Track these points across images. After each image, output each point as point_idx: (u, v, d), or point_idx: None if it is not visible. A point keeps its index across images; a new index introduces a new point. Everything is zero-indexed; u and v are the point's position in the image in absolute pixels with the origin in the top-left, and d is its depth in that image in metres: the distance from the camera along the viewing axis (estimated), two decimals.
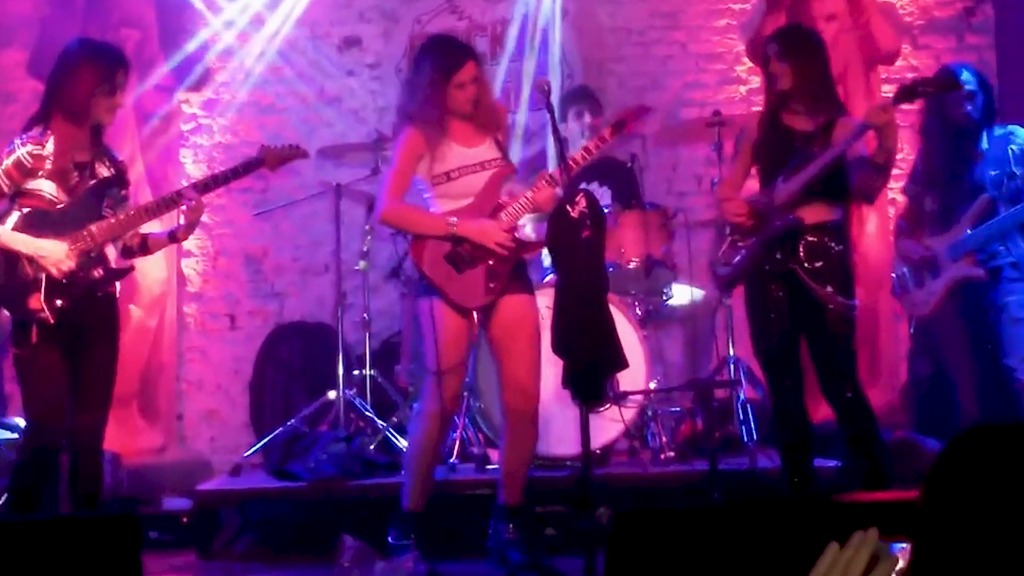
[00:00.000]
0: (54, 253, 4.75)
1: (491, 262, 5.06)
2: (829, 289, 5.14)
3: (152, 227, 5.24)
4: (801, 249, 5.17)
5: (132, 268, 5.20)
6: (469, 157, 5.15)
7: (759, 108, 7.84)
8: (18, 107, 7.66)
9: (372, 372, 7.04)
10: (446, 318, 5.03)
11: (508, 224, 5.12)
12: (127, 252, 5.14)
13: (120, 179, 5.03)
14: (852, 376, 5.22)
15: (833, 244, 5.19)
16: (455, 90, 5.11)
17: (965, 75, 6.06)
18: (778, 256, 5.21)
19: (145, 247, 5.17)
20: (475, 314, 5.13)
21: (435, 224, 5.05)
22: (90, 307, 4.88)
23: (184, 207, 5.03)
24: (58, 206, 4.83)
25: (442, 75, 5.10)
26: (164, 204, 5.10)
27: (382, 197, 5.13)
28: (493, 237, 5.05)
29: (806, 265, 5.16)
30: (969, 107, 6.01)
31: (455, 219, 5.03)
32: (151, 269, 7.89)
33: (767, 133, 5.37)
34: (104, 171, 4.97)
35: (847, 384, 5.19)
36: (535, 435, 5.19)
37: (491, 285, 5.06)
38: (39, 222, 4.80)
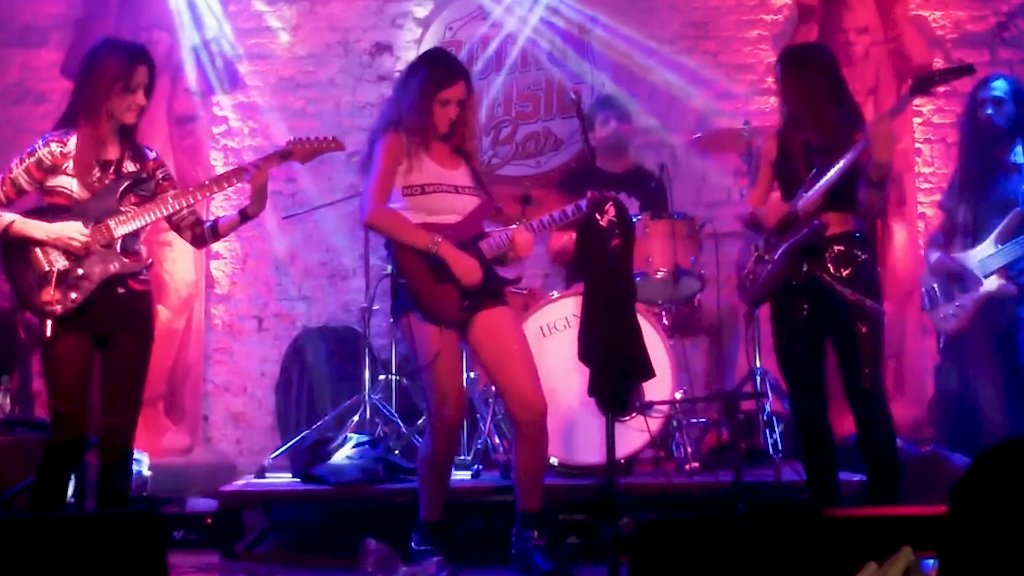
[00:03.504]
0: (67, 229, 4.78)
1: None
2: (857, 294, 5.10)
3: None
4: (827, 258, 5.14)
5: (150, 263, 5.21)
6: (444, 177, 5.15)
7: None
8: (51, 107, 7.71)
9: (398, 377, 7.06)
10: (424, 331, 5.02)
11: (488, 254, 5.14)
12: (199, 240, 5.22)
13: (148, 174, 5.04)
14: (878, 381, 5.16)
15: (859, 252, 5.16)
16: (438, 106, 5.13)
17: (997, 83, 6.07)
18: (804, 268, 5.18)
19: (216, 231, 5.22)
20: (451, 329, 5.10)
21: (420, 237, 5.02)
22: (112, 304, 4.89)
23: (247, 181, 5.11)
24: (77, 203, 4.86)
25: (432, 87, 5.12)
26: (217, 182, 5.19)
27: (368, 200, 5.10)
28: (464, 276, 5.03)
29: (833, 273, 5.13)
30: (992, 111, 6.01)
31: (439, 238, 5.02)
32: (179, 271, 7.95)
33: (785, 150, 5.34)
34: (131, 167, 5.00)
35: (872, 389, 5.13)
36: (546, 441, 5.17)
37: (465, 303, 5.05)
38: (57, 217, 4.82)
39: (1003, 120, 6.05)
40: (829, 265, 5.14)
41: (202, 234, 5.19)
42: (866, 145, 4.96)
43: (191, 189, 5.11)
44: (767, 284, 5.35)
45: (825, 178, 5.10)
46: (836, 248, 5.15)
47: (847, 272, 5.12)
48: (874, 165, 4.95)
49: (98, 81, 4.88)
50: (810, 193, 5.15)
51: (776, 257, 5.28)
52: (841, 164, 5.04)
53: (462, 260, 5.05)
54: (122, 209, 4.91)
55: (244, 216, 5.20)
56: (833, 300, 5.13)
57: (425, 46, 8.23)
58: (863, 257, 5.17)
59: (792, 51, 5.73)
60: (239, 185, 5.29)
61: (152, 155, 5.13)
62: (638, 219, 6.16)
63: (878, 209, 5.30)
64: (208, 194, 5.23)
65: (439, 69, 5.20)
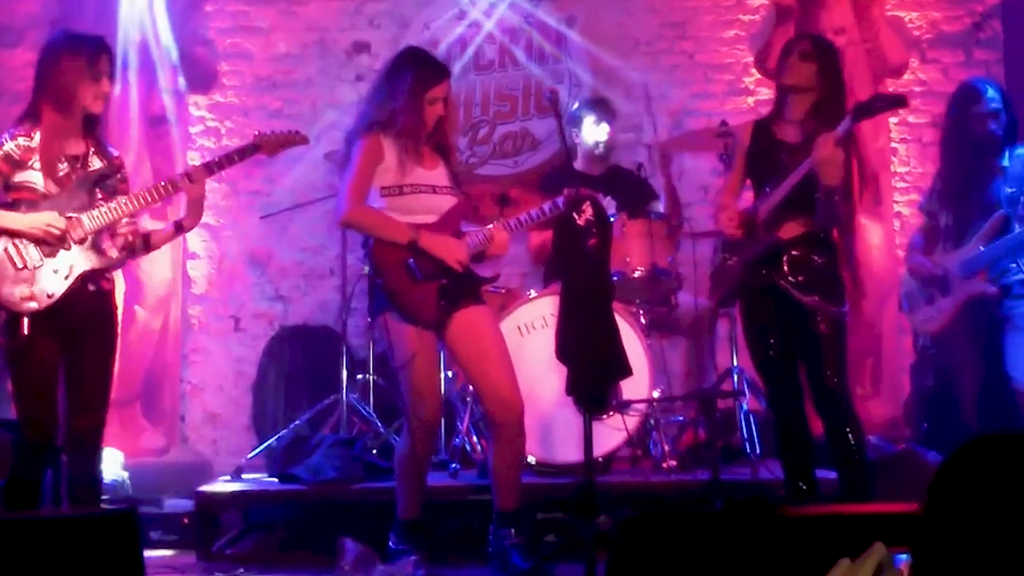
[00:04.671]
0: (44, 218, 4.75)
1: (444, 281, 5.06)
2: (815, 297, 5.11)
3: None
4: (784, 264, 5.16)
5: (126, 259, 5.18)
6: (423, 177, 5.15)
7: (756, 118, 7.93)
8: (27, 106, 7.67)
9: (375, 376, 7.05)
10: (401, 330, 5.02)
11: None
12: (129, 250, 5.10)
13: (113, 171, 5.01)
14: (842, 383, 5.17)
15: (816, 256, 5.17)
16: (427, 104, 5.12)
17: (991, 92, 6.09)
18: (763, 272, 5.21)
19: (148, 243, 5.15)
20: (429, 329, 5.09)
21: (399, 231, 5.02)
22: (82, 302, 4.85)
23: (184, 192, 5.05)
24: (47, 198, 4.82)
25: (420, 87, 5.11)
26: (160, 191, 5.06)
27: (344, 199, 5.09)
28: (453, 253, 5.05)
29: (790, 279, 5.14)
30: (993, 125, 6.05)
31: (418, 230, 5.03)
32: (156, 270, 7.91)
33: (757, 143, 5.36)
34: (97, 163, 4.97)
35: (836, 391, 5.14)
36: (523, 441, 5.17)
37: (442, 303, 5.04)
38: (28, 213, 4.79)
39: (1001, 130, 6.09)
40: (785, 270, 5.16)
41: (132, 244, 5.09)
42: (812, 166, 4.96)
43: (133, 195, 5.01)
44: (731, 287, 5.39)
45: (778, 190, 5.12)
46: (793, 252, 5.16)
47: (802, 278, 5.13)
48: (820, 187, 4.96)
49: (64, 72, 4.87)
50: (769, 198, 5.18)
51: (737, 263, 5.31)
52: (788, 181, 5.07)
53: (444, 243, 5.06)
54: (94, 204, 4.89)
55: (179, 228, 5.16)
56: (793, 304, 5.15)
57: (403, 45, 8.22)
58: (820, 261, 5.18)
59: (821, 40, 5.71)
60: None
61: (115, 152, 5.11)
62: (615, 218, 6.17)
63: (836, 221, 5.26)
64: (142, 204, 5.06)
65: (425, 68, 5.19)
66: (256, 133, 5.36)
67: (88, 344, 4.90)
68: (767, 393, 5.51)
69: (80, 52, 4.91)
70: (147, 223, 5.16)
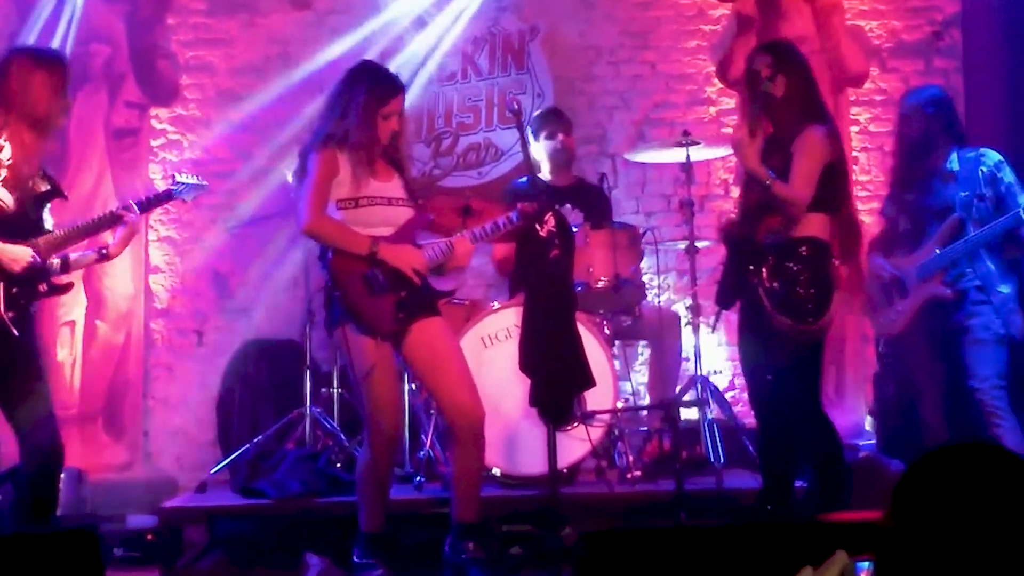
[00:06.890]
0: (21, 251, 4.72)
1: (403, 294, 5.04)
2: (782, 317, 5.03)
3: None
4: (764, 270, 5.11)
5: (71, 284, 5.16)
6: (378, 189, 5.12)
7: (728, 129, 7.97)
8: None
9: (339, 390, 7.02)
10: (360, 343, 4.99)
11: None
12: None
13: (55, 192, 4.99)
14: (809, 402, 5.14)
15: (791, 264, 5.05)
16: (381, 119, 5.11)
17: (909, 97, 6.22)
18: (751, 279, 5.15)
19: (66, 266, 5.09)
20: (386, 341, 5.07)
21: (358, 242, 5.00)
22: (20, 324, 4.82)
23: (123, 225, 5.04)
24: (6, 215, 4.78)
25: (375, 102, 5.10)
26: (102, 223, 5.07)
27: (305, 210, 5.04)
28: (411, 262, 5.01)
29: (767, 287, 5.09)
30: (903, 128, 6.16)
31: (377, 241, 5.02)
32: (118, 285, 7.87)
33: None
34: (42, 184, 4.94)
35: (804, 410, 5.13)
36: (482, 448, 5.10)
37: (399, 315, 5.01)
38: None
39: (915, 132, 6.15)
40: (764, 276, 5.10)
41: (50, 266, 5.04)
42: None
43: (79, 226, 5.03)
44: (720, 289, 5.39)
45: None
46: (771, 259, 5.10)
47: (776, 285, 5.06)
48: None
49: (39, 88, 4.84)
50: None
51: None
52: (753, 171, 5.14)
53: (401, 253, 5.02)
54: (47, 228, 4.87)
55: (103, 256, 5.13)
56: (768, 315, 5.08)
57: (364, 57, 8.21)
58: (794, 268, 5.06)
59: (780, 43, 5.76)
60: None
61: (50, 171, 5.10)
62: (578, 229, 6.17)
63: (784, 211, 5.17)
64: (83, 237, 5.09)
65: (379, 83, 5.17)
66: (172, 176, 5.50)
67: (25, 364, 4.87)
68: (751, 398, 5.49)
69: (53, 70, 4.91)
70: None
